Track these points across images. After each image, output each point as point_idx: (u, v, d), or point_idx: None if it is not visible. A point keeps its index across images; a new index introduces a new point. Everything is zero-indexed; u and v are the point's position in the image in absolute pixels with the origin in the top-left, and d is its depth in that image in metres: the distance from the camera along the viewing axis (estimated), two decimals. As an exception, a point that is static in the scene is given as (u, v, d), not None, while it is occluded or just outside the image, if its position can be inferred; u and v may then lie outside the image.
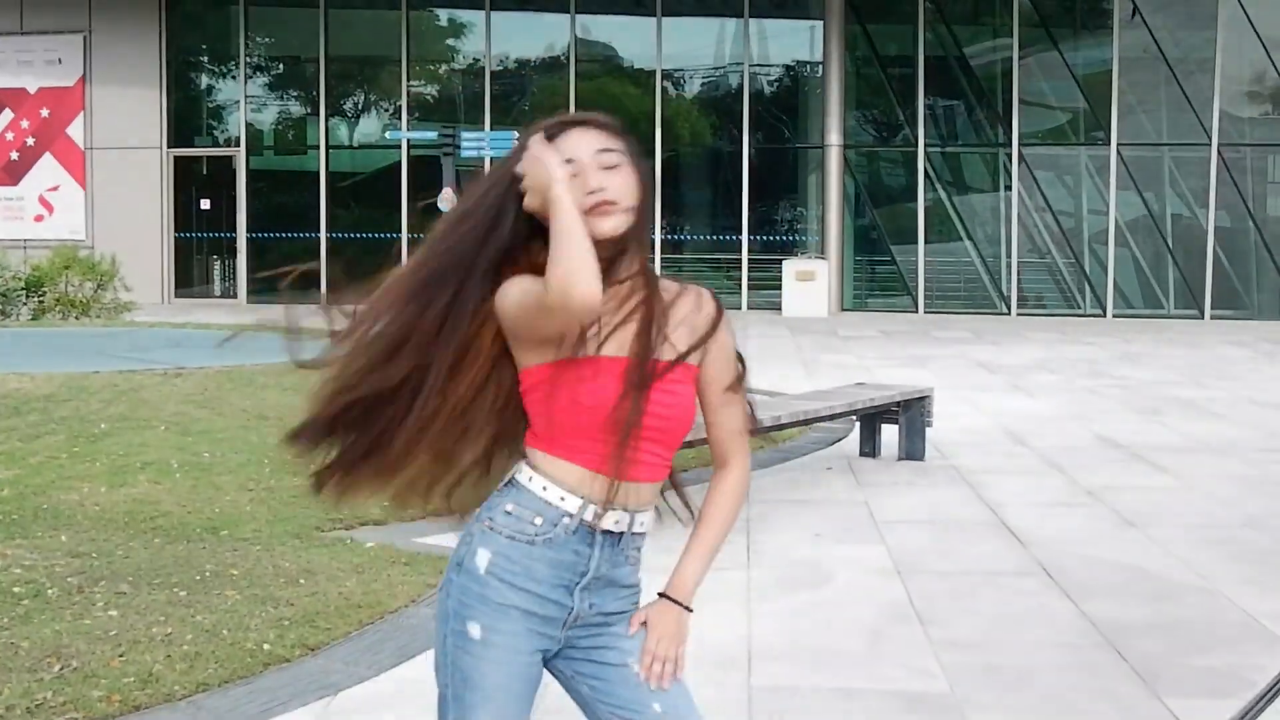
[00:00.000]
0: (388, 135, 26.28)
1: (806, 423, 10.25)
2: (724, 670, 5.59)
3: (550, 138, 2.77)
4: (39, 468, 8.74)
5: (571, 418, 2.71)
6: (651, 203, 2.83)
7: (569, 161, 2.72)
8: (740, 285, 27.17)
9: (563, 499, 2.75)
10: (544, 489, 2.75)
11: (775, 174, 28.59)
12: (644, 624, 2.85)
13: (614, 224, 2.72)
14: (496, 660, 2.75)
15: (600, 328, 2.73)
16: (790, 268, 25.87)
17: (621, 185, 2.73)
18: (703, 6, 28.55)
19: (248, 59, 29.05)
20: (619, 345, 2.73)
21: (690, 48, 28.46)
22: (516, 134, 18.62)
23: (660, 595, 2.88)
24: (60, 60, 28.67)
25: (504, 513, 2.78)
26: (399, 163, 28.07)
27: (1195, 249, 26.10)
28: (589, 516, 2.75)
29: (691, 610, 2.88)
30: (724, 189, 27.92)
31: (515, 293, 2.70)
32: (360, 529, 7.93)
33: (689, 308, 2.84)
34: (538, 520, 2.75)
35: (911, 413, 10.70)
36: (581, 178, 2.72)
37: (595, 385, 2.70)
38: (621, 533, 2.79)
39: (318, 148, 28.53)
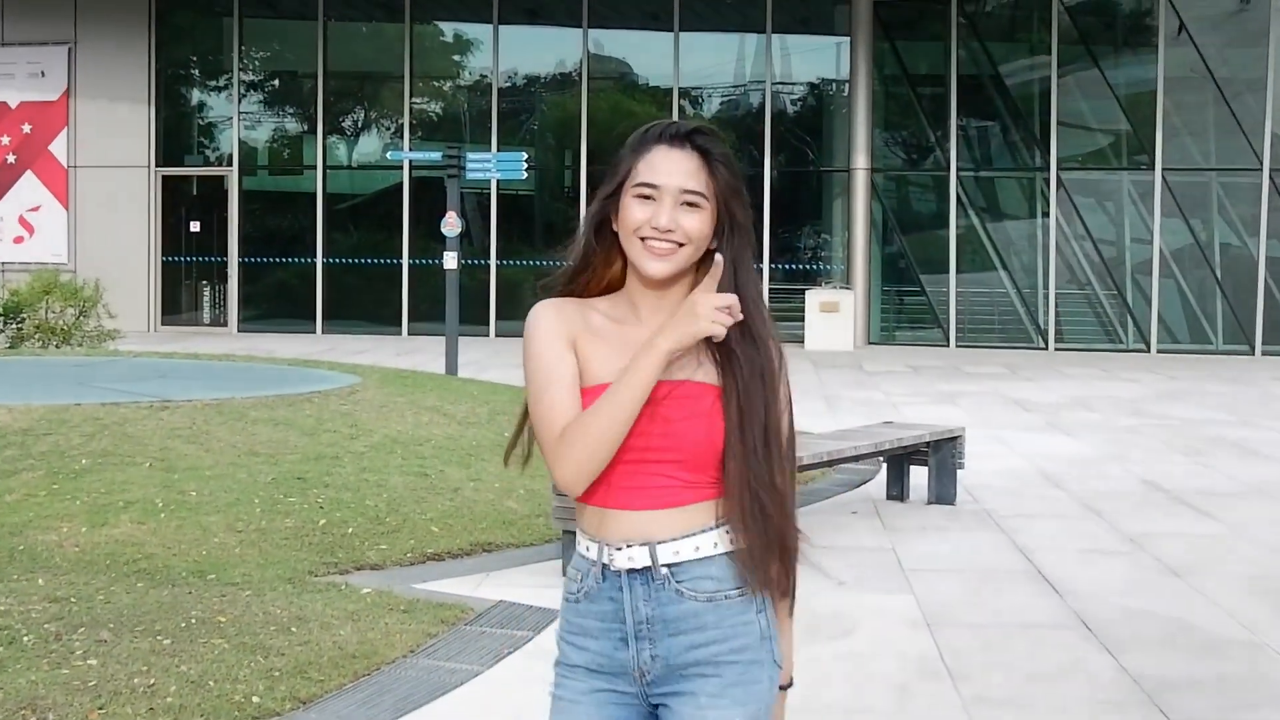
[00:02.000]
0: (389, 155, 26.36)
1: (830, 464, 10.24)
2: (741, 727, 5.57)
3: (642, 143, 2.82)
4: (15, 506, 8.75)
5: None
6: (750, 250, 2.85)
7: (650, 185, 2.77)
8: (761, 316, 27.15)
9: (587, 549, 2.83)
10: (579, 543, 2.87)
11: (798, 199, 28.62)
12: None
13: (664, 268, 2.78)
14: (567, 713, 2.83)
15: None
16: (814, 298, 25.88)
17: (694, 230, 2.77)
18: (722, 21, 28.65)
19: (241, 74, 29.18)
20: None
21: (709, 64, 28.55)
22: (525, 155, 18.72)
23: None
24: (43, 73, 28.81)
25: (566, 576, 2.91)
26: (400, 184, 28.16)
27: (1245, 280, 26.07)
28: (605, 559, 2.79)
29: (789, 685, 2.95)
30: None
31: (532, 366, 2.83)
32: (356, 573, 7.93)
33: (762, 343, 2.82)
34: (579, 577, 2.85)
35: (942, 454, 10.69)
36: (654, 206, 2.77)
37: None
38: (648, 567, 2.78)
39: (315, 168, 28.63)
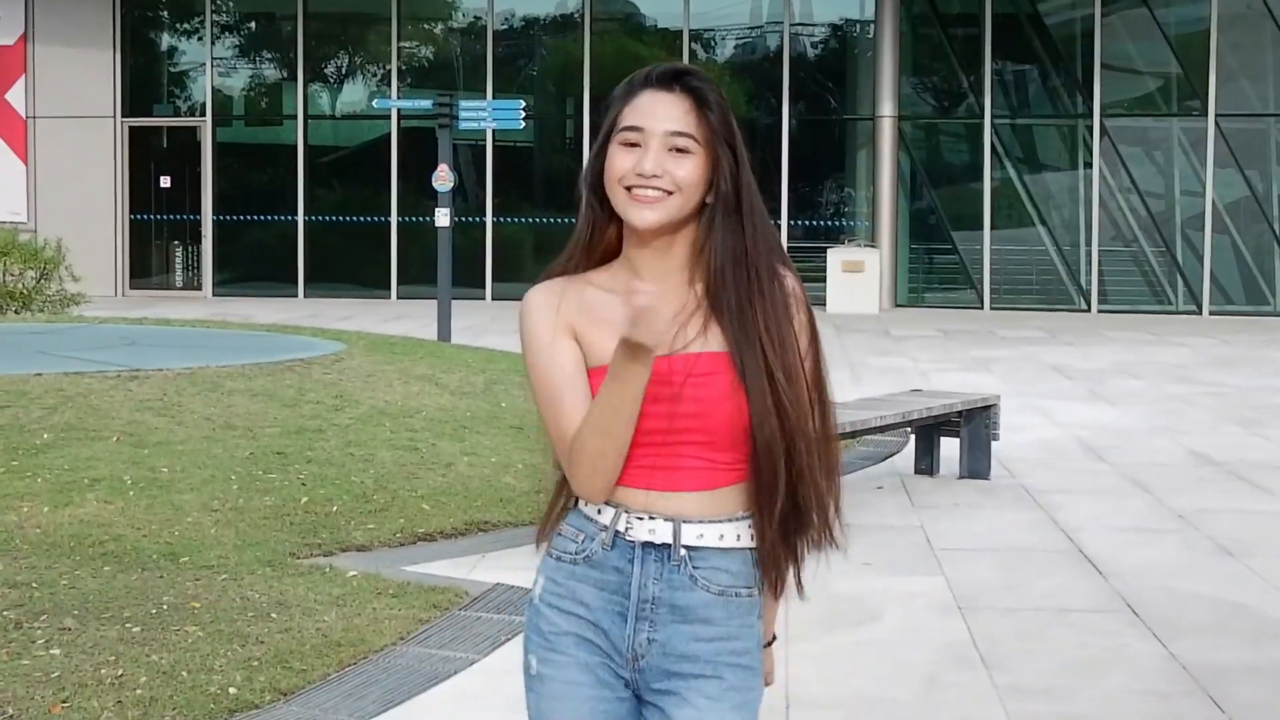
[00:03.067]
0: (375, 104, 26.30)
1: (854, 435, 10.24)
2: (757, 720, 5.58)
3: (629, 90, 2.83)
4: (-27, 484, 8.76)
5: None
6: (755, 195, 2.83)
7: (634, 129, 2.78)
8: (779, 277, 27.13)
9: (599, 511, 2.83)
10: (583, 505, 2.86)
11: (819, 150, 28.56)
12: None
13: (652, 217, 2.78)
14: (555, 695, 2.83)
15: None
16: (836, 257, 25.85)
17: (684, 175, 2.77)
18: (737, -44, 28.56)
19: (215, 16, 29.13)
20: None
21: (722, 4, 28.47)
22: (523, 103, 18.69)
23: None
24: None
25: (558, 535, 2.90)
26: (388, 135, 28.11)
27: (1304, 236, 26.03)
28: (621, 525, 2.80)
29: (772, 640, 2.97)
30: (760, 167, 27.93)
31: (532, 373, 2.84)
32: (341, 555, 7.94)
33: (781, 304, 2.83)
34: (579, 538, 2.85)
35: (975, 424, 10.69)
36: (639, 152, 2.78)
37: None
38: (667, 545, 2.79)
39: (295, 118, 28.58)
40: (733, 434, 2.75)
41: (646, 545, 2.79)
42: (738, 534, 2.80)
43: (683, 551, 2.78)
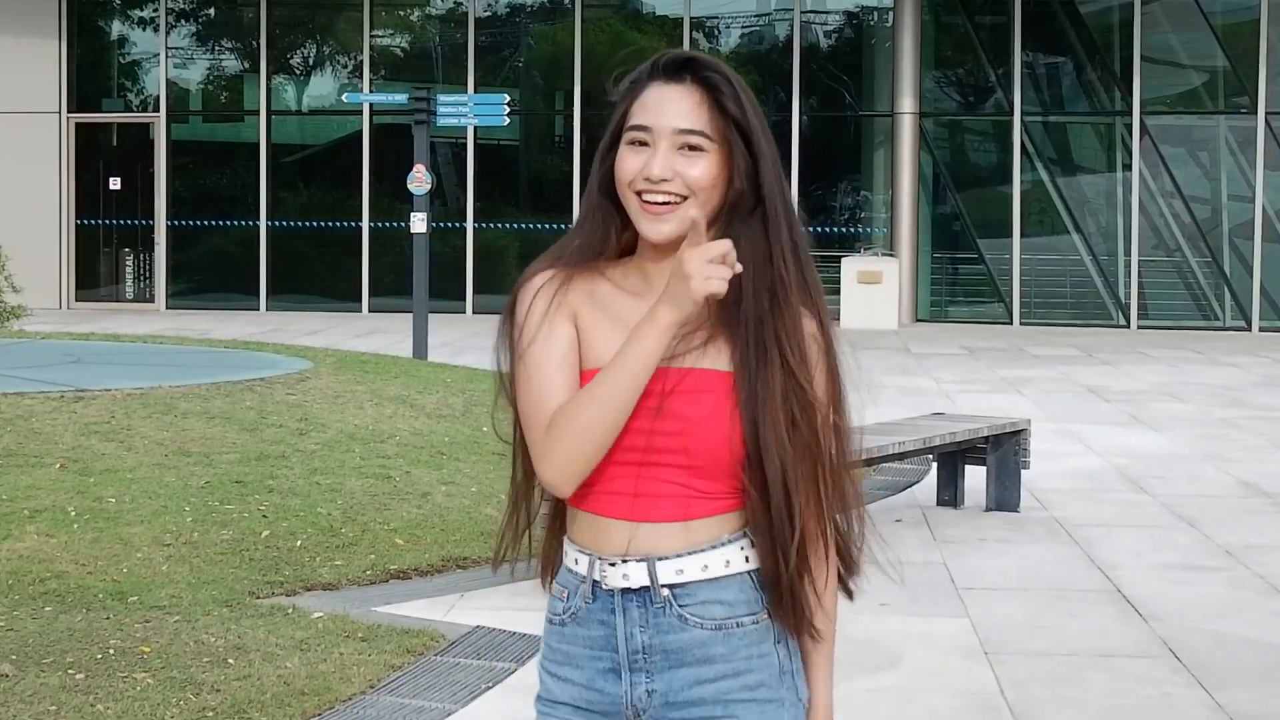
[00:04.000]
0: (345, 98, 26.29)
1: (870, 463, 10.23)
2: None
3: (635, 83, 2.82)
4: (-98, 515, 8.75)
5: None
6: (779, 193, 2.79)
7: (641, 128, 2.76)
8: (788, 288, 27.15)
9: (576, 562, 2.82)
10: (567, 555, 2.86)
11: (833, 149, 28.59)
12: None
13: (665, 229, 2.75)
14: None
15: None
16: (851, 267, 25.86)
17: (697, 177, 2.74)
18: (742, -62, 28.63)
19: (170, 3, 29.15)
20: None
21: (726, -11, 28.55)
22: (508, 98, 18.70)
23: None
24: (-65, 3, 28.81)
25: (550, 595, 2.90)
26: (359, 133, 28.13)
27: (1365, 245, 26.07)
28: (597, 574, 2.78)
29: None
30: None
31: (519, 342, 2.82)
32: (305, 594, 7.93)
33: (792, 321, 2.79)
34: (565, 595, 2.85)
35: (1003, 451, 10.68)
36: (648, 155, 2.75)
37: None
38: (646, 587, 2.77)
39: (257, 113, 28.59)
40: (716, 461, 2.72)
41: (625, 592, 2.78)
42: (726, 560, 2.76)
43: (664, 591, 2.76)
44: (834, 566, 2.86)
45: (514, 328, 2.83)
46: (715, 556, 2.76)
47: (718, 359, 2.74)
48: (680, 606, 2.77)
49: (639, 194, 2.75)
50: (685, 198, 2.73)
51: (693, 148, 2.74)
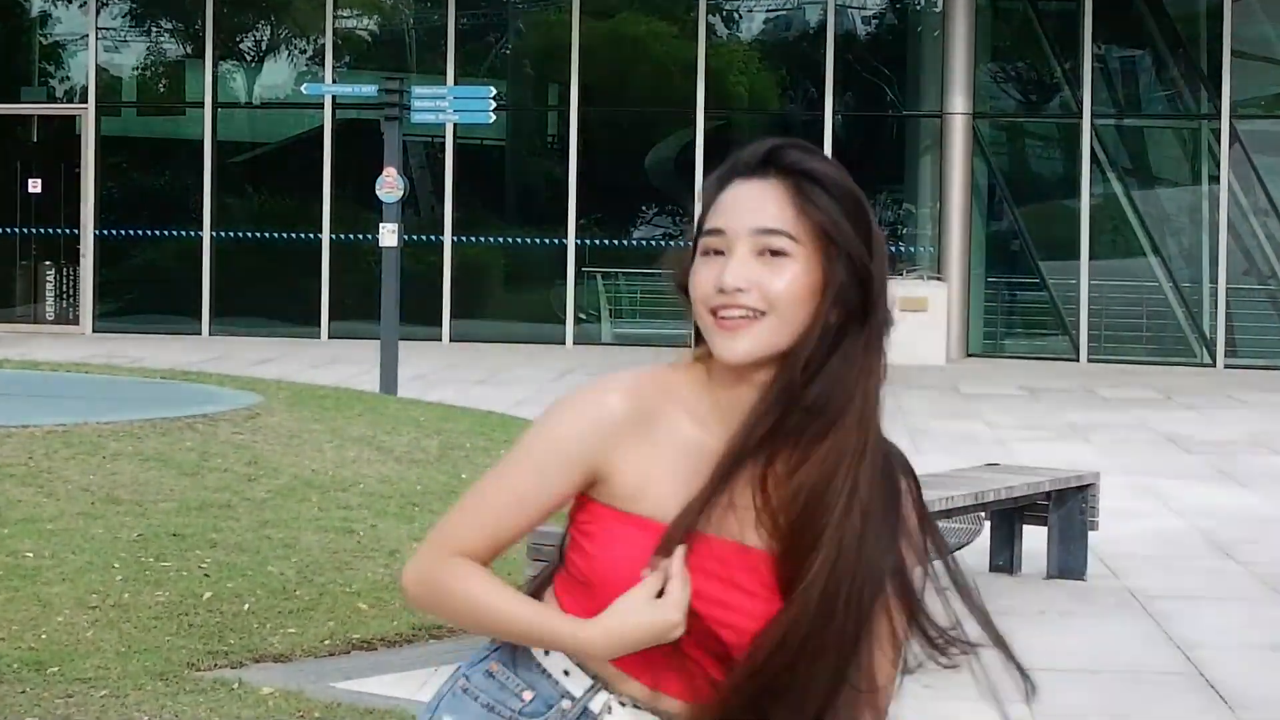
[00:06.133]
0: (304, 89, 26.38)
1: (913, 521, 10.22)
2: None
3: (717, 181, 2.75)
4: None
5: (613, 587, 2.70)
6: (867, 300, 2.74)
7: (716, 233, 2.70)
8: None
9: (567, 673, 2.78)
10: (547, 653, 2.80)
11: (871, 155, 28.62)
12: None
13: (740, 348, 2.68)
14: None
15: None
16: (892, 293, 25.84)
17: (781, 288, 2.66)
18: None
19: (101, -25, 29.25)
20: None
21: (749, -32, 28.64)
22: (493, 91, 18.73)
23: None
24: None
25: (485, 673, 2.83)
26: (320, 129, 28.17)
27: None
28: (596, 705, 2.77)
29: None
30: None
31: (519, 454, 2.87)
32: (254, 666, 7.92)
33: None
34: (526, 695, 2.78)
35: (1067, 509, 10.67)
36: (721, 264, 2.69)
37: (637, 553, 2.70)
38: None
39: (201, 106, 28.61)
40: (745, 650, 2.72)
41: None
42: None
43: None
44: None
45: (544, 421, 2.81)
46: None
47: (752, 531, 2.72)
48: None
49: (714, 311, 2.69)
50: (764, 312, 2.66)
51: (775, 252, 2.68)
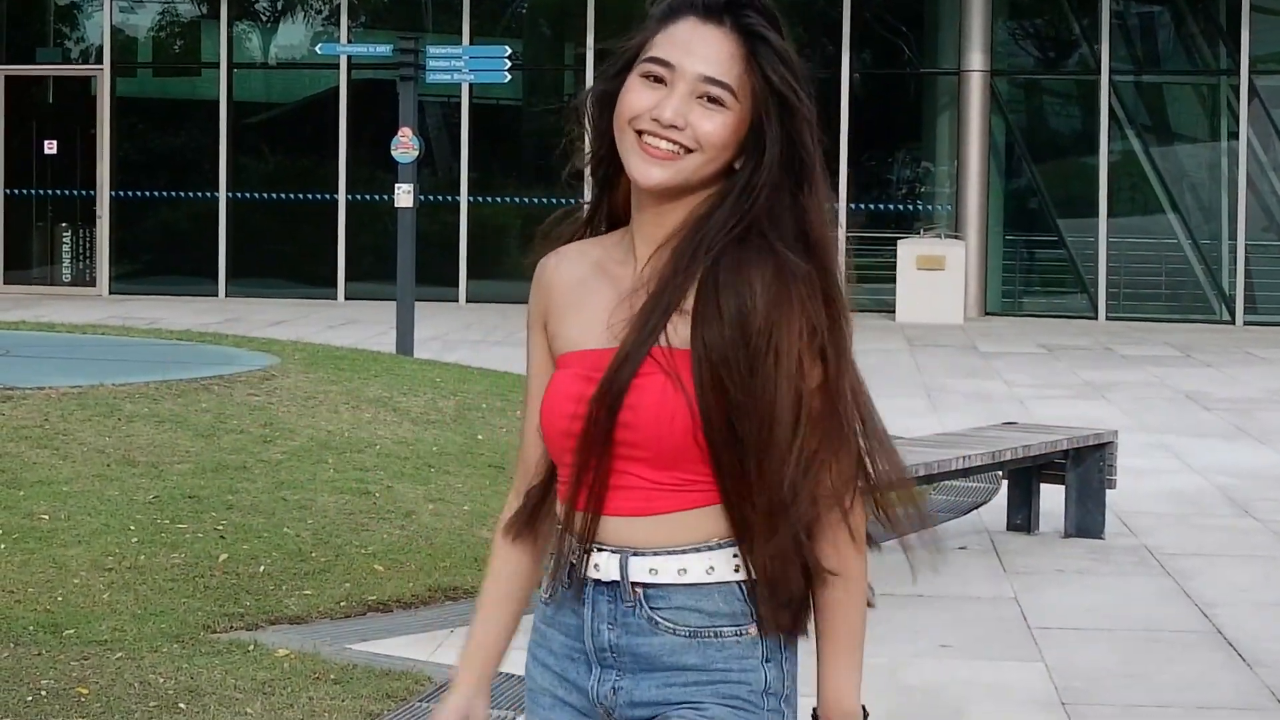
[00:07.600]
0: (319, 49, 26.31)
1: (930, 480, 10.21)
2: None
3: (669, 12, 2.83)
4: None
5: (548, 433, 2.88)
6: (809, 167, 2.82)
7: (662, 63, 2.78)
8: (835, 275, 27.12)
9: (565, 540, 2.93)
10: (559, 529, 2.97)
11: (889, 113, 28.57)
12: None
13: (659, 175, 2.79)
14: None
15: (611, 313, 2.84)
16: (909, 251, 25.84)
17: (710, 132, 2.78)
18: None
19: (116, -64, 29.21)
20: (611, 334, 2.82)
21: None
22: (509, 50, 18.70)
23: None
24: None
25: (547, 568, 3.03)
26: (335, 90, 28.15)
27: None
28: (574, 558, 2.88)
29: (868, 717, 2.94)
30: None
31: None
32: (269, 629, 7.93)
33: (757, 280, 2.78)
34: (553, 573, 2.96)
35: (1085, 467, 10.66)
36: (661, 93, 2.78)
37: (557, 387, 2.85)
38: (616, 582, 2.84)
39: (216, 67, 28.61)
40: (671, 448, 2.77)
41: (597, 583, 2.86)
42: (709, 565, 2.81)
43: (636, 590, 2.83)
44: (858, 517, 2.89)
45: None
46: (696, 561, 2.82)
47: (677, 333, 2.80)
48: (652, 609, 2.84)
49: (640, 133, 2.79)
50: (690, 151, 2.77)
51: (713, 100, 2.78)
